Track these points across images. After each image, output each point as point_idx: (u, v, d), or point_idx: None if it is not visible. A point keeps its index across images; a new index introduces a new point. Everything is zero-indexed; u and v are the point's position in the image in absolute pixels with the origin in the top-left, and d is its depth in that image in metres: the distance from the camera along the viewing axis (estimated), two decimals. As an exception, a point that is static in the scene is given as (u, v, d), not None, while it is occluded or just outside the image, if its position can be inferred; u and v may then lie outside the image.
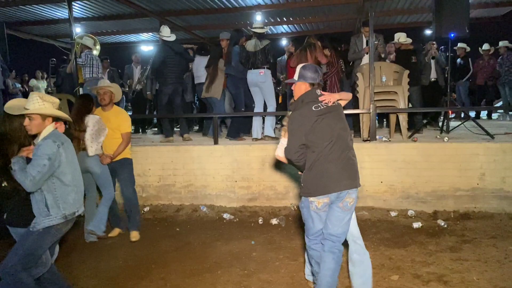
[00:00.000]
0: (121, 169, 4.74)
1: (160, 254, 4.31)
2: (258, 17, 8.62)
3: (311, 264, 3.12)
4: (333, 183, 2.80)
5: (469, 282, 3.36)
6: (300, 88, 3.00)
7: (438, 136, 5.99)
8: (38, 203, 2.82)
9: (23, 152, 2.87)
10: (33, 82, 10.88)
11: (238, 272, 3.79)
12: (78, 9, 8.40)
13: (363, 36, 6.75)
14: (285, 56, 8.06)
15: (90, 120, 4.39)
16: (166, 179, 6.00)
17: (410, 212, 5.12)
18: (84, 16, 8.99)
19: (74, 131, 4.27)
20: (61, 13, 8.54)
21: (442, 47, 8.64)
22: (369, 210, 5.26)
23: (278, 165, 5.50)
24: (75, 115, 4.35)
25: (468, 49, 9.10)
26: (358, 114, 6.07)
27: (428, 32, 9.91)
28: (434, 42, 7.84)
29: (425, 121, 7.28)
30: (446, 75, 7.39)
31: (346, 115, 3.22)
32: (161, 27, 6.77)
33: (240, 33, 6.90)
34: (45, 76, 10.98)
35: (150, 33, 11.26)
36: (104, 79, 6.17)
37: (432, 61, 7.88)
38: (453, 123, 6.96)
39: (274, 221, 5.13)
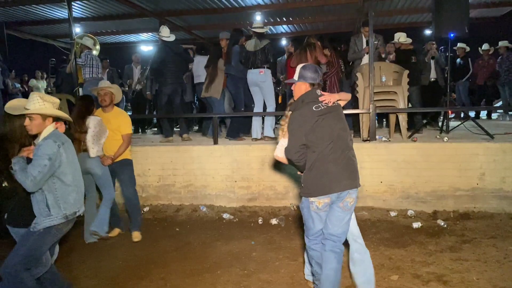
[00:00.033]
0: (121, 170, 4.74)
1: (160, 254, 4.31)
2: (258, 17, 8.63)
3: (311, 264, 3.12)
4: (334, 183, 2.80)
5: (469, 282, 3.37)
6: (300, 88, 3.00)
7: (437, 136, 5.99)
8: (39, 203, 2.82)
9: (24, 152, 2.87)
10: (32, 82, 10.89)
11: (238, 272, 3.79)
12: (77, 9, 8.41)
13: (363, 36, 6.75)
14: (285, 56, 8.06)
15: (91, 122, 4.37)
16: (166, 179, 6.00)
17: (410, 212, 5.12)
18: (84, 16, 8.99)
19: (75, 133, 4.24)
20: (60, 13, 8.55)
21: (442, 47, 8.65)
22: (369, 210, 5.26)
23: (277, 165, 5.50)
24: (76, 116, 4.32)
25: (468, 49, 9.11)
26: (357, 114, 6.07)
27: (427, 32, 9.92)
28: (434, 42, 7.84)
29: (424, 121, 7.28)
30: (446, 75, 7.40)
31: (346, 115, 3.22)
32: (160, 27, 6.76)
33: (240, 32, 6.90)
34: (45, 76, 10.99)
35: (150, 33, 11.27)
36: (104, 79, 6.17)
37: (432, 61, 7.89)
38: (452, 123, 6.97)
39: (274, 221, 5.13)
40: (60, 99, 3.11)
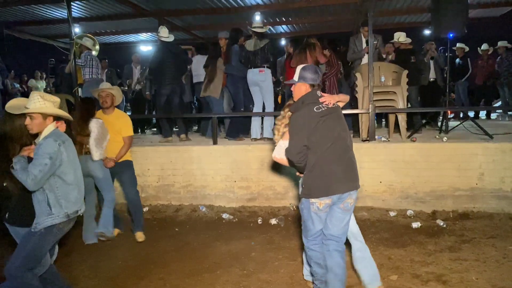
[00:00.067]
0: (122, 171, 4.74)
1: (159, 254, 4.31)
2: (257, 17, 8.61)
3: (309, 265, 3.12)
4: (335, 184, 2.80)
5: (468, 282, 3.37)
6: (300, 89, 2.99)
7: (437, 136, 5.99)
8: (40, 203, 2.82)
9: (24, 152, 2.87)
10: (32, 82, 10.88)
11: (238, 272, 3.80)
12: (77, 9, 8.40)
13: (362, 36, 6.75)
14: (285, 56, 8.05)
15: (94, 124, 4.32)
16: (165, 179, 6.00)
17: (409, 212, 5.13)
18: (83, 16, 8.98)
19: (77, 136, 4.17)
20: (60, 13, 8.54)
21: (441, 48, 8.66)
22: (368, 210, 5.26)
23: (277, 165, 5.49)
24: (79, 119, 4.27)
25: (467, 49, 9.11)
26: (357, 114, 6.07)
27: (427, 32, 9.93)
28: (433, 42, 7.85)
29: (424, 121, 7.29)
30: (445, 75, 7.41)
31: (345, 115, 3.22)
32: (159, 27, 6.76)
33: (239, 32, 6.90)
34: (44, 76, 10.98)
35: (149, 33, 11.25)
36: (103, 79, 6.17)
37: (431, 61, 7.90)
38: (452, 123, 6.96)
39: (273, 221, 5.13)
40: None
